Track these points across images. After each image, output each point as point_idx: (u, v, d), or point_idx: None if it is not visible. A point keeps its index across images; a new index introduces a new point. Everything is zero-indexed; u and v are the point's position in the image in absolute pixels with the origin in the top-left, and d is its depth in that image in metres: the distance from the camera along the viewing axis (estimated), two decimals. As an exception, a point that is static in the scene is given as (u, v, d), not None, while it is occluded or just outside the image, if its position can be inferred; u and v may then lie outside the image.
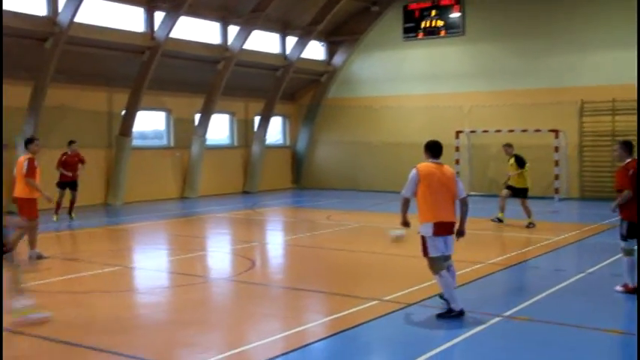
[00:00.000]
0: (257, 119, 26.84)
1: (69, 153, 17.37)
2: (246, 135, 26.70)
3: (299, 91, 28.54)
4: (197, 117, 24.15)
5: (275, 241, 14.89)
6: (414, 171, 7.77)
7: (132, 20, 20.96)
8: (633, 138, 10.37)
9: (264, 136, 26.47)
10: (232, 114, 26.44)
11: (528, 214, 15.20)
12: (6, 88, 18.79)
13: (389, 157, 25.68)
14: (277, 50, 26.19)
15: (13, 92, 18.78)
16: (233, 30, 23.76)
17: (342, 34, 27.43)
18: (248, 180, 26.23)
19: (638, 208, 8.34)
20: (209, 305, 8.78)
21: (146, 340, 7.00)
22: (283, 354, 6.42)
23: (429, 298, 8.42)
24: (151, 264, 11.42)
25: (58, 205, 16.72)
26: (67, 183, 17.18)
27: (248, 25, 23.31)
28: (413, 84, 25.53)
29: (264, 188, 26.24)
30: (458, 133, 23.43)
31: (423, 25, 25.26)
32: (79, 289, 9.33)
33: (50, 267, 10.98)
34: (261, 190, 26.03)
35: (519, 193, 15.42)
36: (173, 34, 21.11)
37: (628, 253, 8.62)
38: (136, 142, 22.26)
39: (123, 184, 21.45)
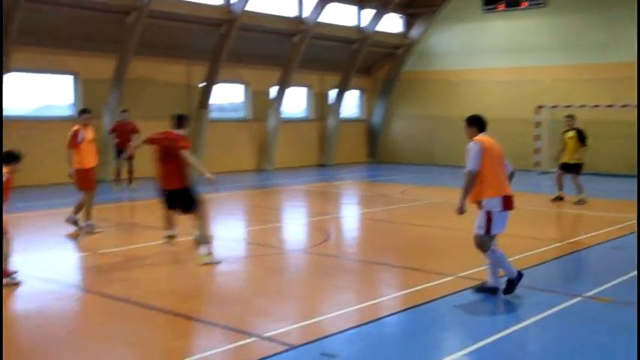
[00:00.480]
0: (333, 92, 26.82)
1: (120, 121, 17.56)
2: (321, 108, 26.74)
3: (375, 64, 28.28)
4: (273, 90, 24.35)
5: (350, 215, 14.93)
6: (475, 144, 7.37)
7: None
8: None
9: (340, 109, 26.44)
10: (308, 87, 26.50)
11: (579, 190, 14.84)
12: (93, 61, 19.50)
13: (466, 131, 25.18)
14: (353, 23, 25.99)
15: (99, 65, 19.46)
16: (309, 3, 23.70)
17: (420, 6, 26.94)
18: (323, 153, 26.33)
19: None
20: (284, 276, 8.90)
21: (222, 308, 7.17)
22: (356, 326, 6.45)
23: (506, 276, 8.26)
24: (227, 234, 11.64)
25: (118, 174, 17.14)
26: (122, 151, 16.44)
27: (325, -2, 23.21)
28: (492, 57, 24.88)
29: (340, 162, 26.29)
30: (538, 108, 22.74)
31: (504, -5, 24.52)
32: (159, 256, 9.62)
33: (133, 234, 11.38)
34: (337, 163, 26.10)
35: (573, 168, 15.02)
36: (249, 7, 21.26)
37: None
38: (213, 115, 22.66)
39: (201, 155, 21.91)
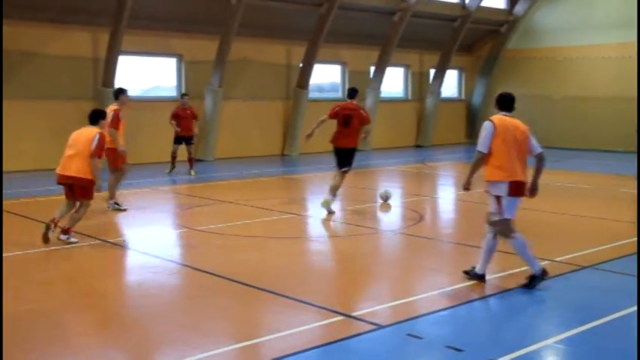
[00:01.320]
0: (432, 72, 26.42)
1: (180, 106, 16.63)
2: (420, 88, 26.42)
3: (477, 42, 27.60)
4: (372, 70, 24.26)
5: (445, 196, 14.74)
6: (488, 123, 7.12)
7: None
8: None
9: (439, 89, 26.03)
10: (407, 67, 26.22)
11: None
12: (196, 43, 20.10)
13: (572, 111, 24.28)
14: (455, 0, 25.43)
15: (202, 46, 20.05)
16: (410, -20, 23.36)
17: (526, -19, 26.00)
18: (421, 134, 26.06)
19: None
20: (376, 256, 8.94)
21: (313, 287, 7.31)
22: (445, 308, 6.42)
23: (605, 262, 7.99)
24: (322, 213, 11.79)
25: (173, 159, 16.49)
26: (182, 137, 16.34)
27: (426, -25, 22.80)
28: (603, 33, 23.70)
29: (438, 142, 25.94)
30: (651, 86, 21.49)
31: (618, -32, 23.24)
32: (256, 233, 9.89)
33: (230, 212, 11.74)
34: (435, 144, 25.76)
35: None
36: (349, -14, 21.21)
37: None
38: (312, 95, 22.86)
39: (299, 135, 22.21)
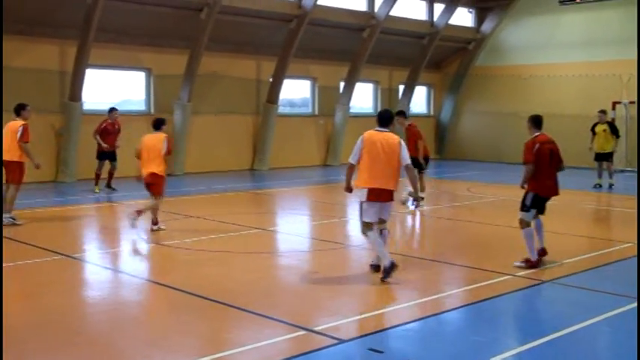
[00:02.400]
0: (401, 88, 26.68)
1: (109, 121, 15.94)
2: (389, 104, 26.62)
3: (445, 59, 27.97)
4: (342, 85, 24.43)
5: (410, 211, 14.85)
6: (360, 138, 8.05)
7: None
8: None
9: (408, 105, 26.28)
10: (376, 82, 26.45)
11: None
12: (165, 57, 20.06)
13: (537, 128, 24.67)
14: (424, 17, 25.77)
15: (171, 60, 20.01)
16: (380, -3, 23.65)
17: (492, 0, 26.47)
18: (390, 149, 26.23)
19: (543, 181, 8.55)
20: (341, 271, 8.97)
21: (279, 302, 7.31)
22: (407, 322, 6.46)
23: (565, 276, 8.12)
24: (290, 228, 11.82)
25: (97, 176, 15.82)
26: (106, 154, 15.74)
27: (394, -8, 23.08)
28: (567, 51, 24.21)
29: (407, 157, 26.11)
30: (614, 104, 21.98)
31: (582, -13, 23.76)
32: (222, 248, 9.87)
33: (197, 227, 11.70)
34: (404, 159, 25.92)
35: (607, 157, 17.28)
36: (320, 2, 21.38)
37: (527, 224, 8.61)
38: (282, 110, 22.93)
39: (269, 150, 22.24)
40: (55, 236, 10.83)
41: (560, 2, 24.15)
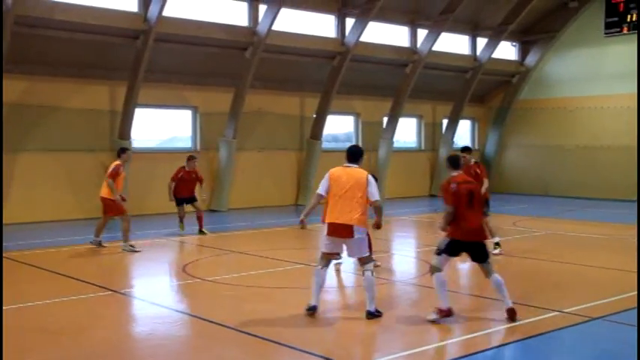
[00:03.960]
0: (445, 122, 26.64)
1: (186, 169, 15.16)
2: (433, 138, 26.62)
3: (488, 93, 27.89)
4: (385, 120, 24.53)
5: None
6: (327, 174, 8.10)
7: (324, 27, 21.81)
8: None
9: (452, 139, 26.20)
10: (420, 117, 26.49)
11: None
12: (211, 95, 20.50)
13: (583, 161, 24.33)
14: (467, 51, 25.80)
15: (216, 98, 20.45)
16: (422, 33, 23.79)
17: (536, 33, 26.40)
18: (435, 183, 26.11)
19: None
20: (387, 307, 8.91)
21: (320, 337, 7.32)
22: (459, 357, 6.39)
23: (616, 313, 7.92)
24: (333, 264, 11.81)
25: (181, 218, 15.23)
26: (184, 198, 15.11)
27: (437, 28, 23.22)
28: (613, 83, 23.89)
29: (451, 192, 25.91)
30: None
31: (628, 18, 23.53)
32: (266, 284, 9.94)
33: (241, 263, 11.81)
34: (448, 193, 25.73)
35: None
36: (362, 39, 21.64)
37: (436, 269, 7.89)
38: (326, 145, 23.12)
39: (312, 185, 22.37)
40: (103, 271, 11.06)
41: (605, 34, 23.97)
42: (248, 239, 14.86)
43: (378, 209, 8.02)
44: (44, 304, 8.69)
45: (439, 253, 7.98)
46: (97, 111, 18.62)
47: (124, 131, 18.55)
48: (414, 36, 23.99)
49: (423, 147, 26.69)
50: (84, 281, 9.99)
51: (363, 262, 8.01)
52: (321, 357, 6.42)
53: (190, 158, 15.36)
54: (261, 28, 19.52)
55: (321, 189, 8.05)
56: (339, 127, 25.10)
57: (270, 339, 7.02)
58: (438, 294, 7.88)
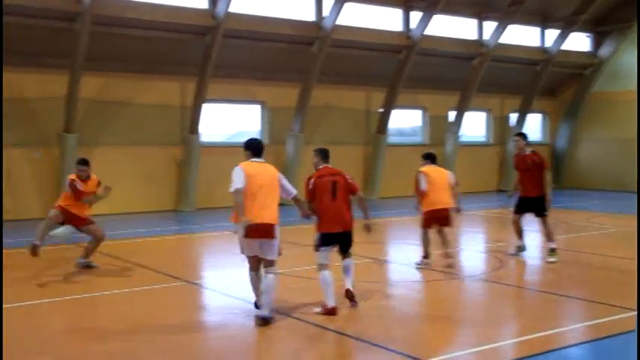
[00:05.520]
0: (514, 116, 26.11)
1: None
2: (502, 132, 26.12)
3: (560, 85, 27.16)
4: (452, 114, 24.23)
5: (528, 242, 14.40)
6: (239, 169, 7.35)
7: (389, 21, 21.69)
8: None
9: (521, 132, 25.64)
10: (488, 111, 26.03)
11: None
12: (278, 90, 20.70)
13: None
14: (536, 43, 25.20)
15: (284, 93, 20.63)
16: (489, 25, 23.37)
17: (610, 23, 25.55)
18: (503, 178, 25.65)
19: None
20: (456, 301, 8.85)
21: (393, 332, 7.31)
22: (533, 355, 6.28)
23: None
24: (402, 258, 11.77)
25: None
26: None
27: (505, 20, 22.78)
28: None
29: (520, 187, 25.41)
30: None
31: None
32: (335, 277, 9.96)
33: (311, 256, 11.89)
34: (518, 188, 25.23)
35: None
36: (428, 32, 21.42)
37: (322, 267, 7.83)
38: (391, 139, 23.00)
39: (379, 180, 22.33)
40: (176, 262, 11.34)
41: (685, 22, 23.00)
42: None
43: (297, 202, 7.91)
44: (120, 293, 8.98)
45: (316, 249, 7.97)
46: (167, 106, 19.08)
47: (194, 126, 18.95)
48: (481, 28, 23.58)
49: (491, 141, 26.23)
50: (158, 271, 10.27)
51: (269, 263, 7.52)
52: (395, 352, 6.41)
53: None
54: (327, 22, 19.58)
55: (238, 184, 7.27)
56: (406, 120, 24.93)
57: (340, 331, 7.05)
58: (324, 292, 7.73)
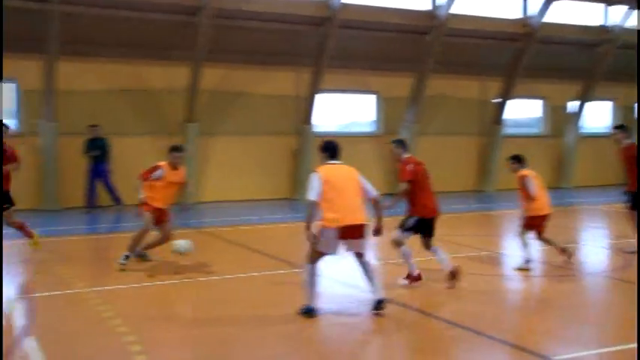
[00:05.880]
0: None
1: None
2: (627, 123, 24.73)
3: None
4: (573, 104, 23.22)
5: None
6: (314, 175, 7.16)
7: (506, 8, 21.06)
8: None
9: (648, 123, 24.21)
10: (614, 100, 24.74)
11: None
12: (392, 80, 20.60)
13: None
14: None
15: (397, 83, 20.52)
16: (616, 10, 22.15)
17: None
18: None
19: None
20: (578, 299, 8.51)
21: (509, 326, 7.15)
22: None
23: None
24: (517, 251, 11.45)
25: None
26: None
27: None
28: None
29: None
30: None
31: None
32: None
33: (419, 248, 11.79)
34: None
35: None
36: (547, 19, 20.60)
37: (400, 244, 8.53)
38: (508, 130, 22.36)
39: (494, 171, 21.78)
40: (292, 249, 11.55)
41: None
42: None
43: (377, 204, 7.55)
44: (235, 277, 9.28)
45: (405, 231, 8.67)
46: (283, 96, 19.46)
47: (308, 116, 19.23)
48: (607, 14, 22.38)
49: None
50: (274, 257, 10.53)
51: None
52: (511, 344, 6.26)
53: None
54: (442, 11, 19.26)
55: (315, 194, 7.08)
56: (522, 111, 24.13)
57: (454, 322, 6.96)
58: (408, 262, 8.53)
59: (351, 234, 7.13)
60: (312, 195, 7.04)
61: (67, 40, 16.10)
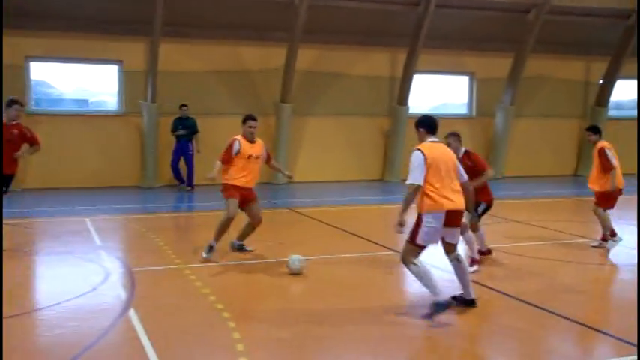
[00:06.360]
0: None
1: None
2: None
3: None
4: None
5: None
6: (417, 153, 6.72)
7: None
8: None
9: None
10: None
11: None
12: (489, 61, 20.09)
13: None
14: None
15: (494, 64, 20.00)
16: None
17: None
18: None
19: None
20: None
21: (612, 316, 6.93)
22: None
23: None
24: (625, 239, 11.03)
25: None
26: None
27: None
28: None
29: None
30: None
31: None
32: (544, 255, 9.63)
33: (517, 232, 11.54)
34: None
35: None
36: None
37: (476, 229, 8.92)
38: (611, 113, 21.39)
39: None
40: (384, 231, 11.58)
41: None
42: (524, 208, 14.48)
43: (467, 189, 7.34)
44: (330, 258, 9.40)
45: (479, 216, 8.95)
46: (377, 77, 19.39)
47: (402, 97, 19.08)
48: None
49: None
50: (367, 239, 10.59)
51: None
52: (614, 337, 6.08)
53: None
54: (546, -13, 18.56)
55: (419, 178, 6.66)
56: (624, 93, 22.95)
57: (550, 309, 6.81)
58: (471, 248, 8.71)
59: (452, 221, 6.72)
60: (415, 178, 6.60)
61: (169, 21, 16.63)
